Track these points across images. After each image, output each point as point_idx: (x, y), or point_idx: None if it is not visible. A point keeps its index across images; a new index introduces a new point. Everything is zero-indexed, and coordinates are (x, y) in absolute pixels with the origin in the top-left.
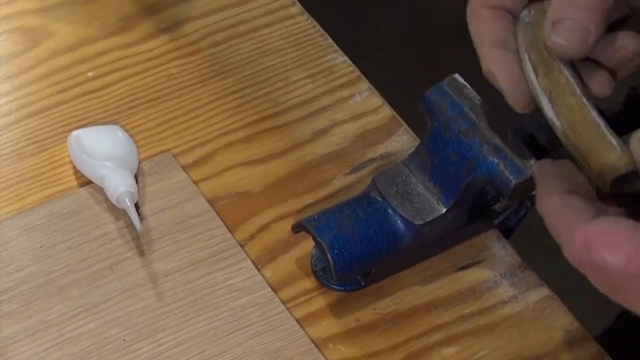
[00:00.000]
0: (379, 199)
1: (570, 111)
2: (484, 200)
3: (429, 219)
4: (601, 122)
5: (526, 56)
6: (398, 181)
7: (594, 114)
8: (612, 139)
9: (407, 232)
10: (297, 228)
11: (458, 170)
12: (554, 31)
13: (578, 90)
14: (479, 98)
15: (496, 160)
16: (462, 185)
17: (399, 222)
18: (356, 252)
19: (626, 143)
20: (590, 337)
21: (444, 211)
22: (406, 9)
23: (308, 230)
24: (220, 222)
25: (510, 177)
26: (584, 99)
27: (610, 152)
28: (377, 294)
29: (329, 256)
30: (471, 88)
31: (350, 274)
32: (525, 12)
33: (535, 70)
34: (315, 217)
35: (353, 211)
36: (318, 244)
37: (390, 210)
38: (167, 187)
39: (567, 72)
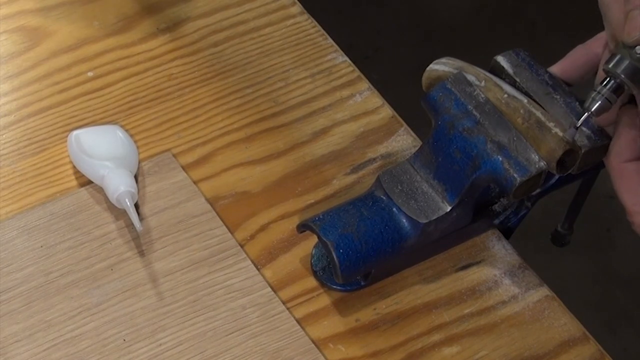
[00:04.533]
0: (384, 197)
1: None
2: (487, 198)
3: (434, 218)
4: (544, 119)
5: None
6: (403, 180)
7: (539, 114)
8: (553, 131)
9: (412, 230)
10: (302, 228)
11: (462, 169)
12: None
13: (525, 101)
14: (483, 96)
15: (500, 158)
16: (466, 184)
17: (404, 220)
18: (361, 252)
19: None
20: (590, 337)
21: (448, 209)
22: (406, 9)
23: (313, 229)
24: (220, 222)
25: (515, 175)
26: (528, 106)
27: (550, 141)
28: (377, 294)
29: (335, 256)
30: (475, 85)
31: (356, 273)
32: None
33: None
34: (321, 216)
35: (358, 210)
36: (323, 244)
37: (395, 209)
38: (167, 187)
39: (508, 88)
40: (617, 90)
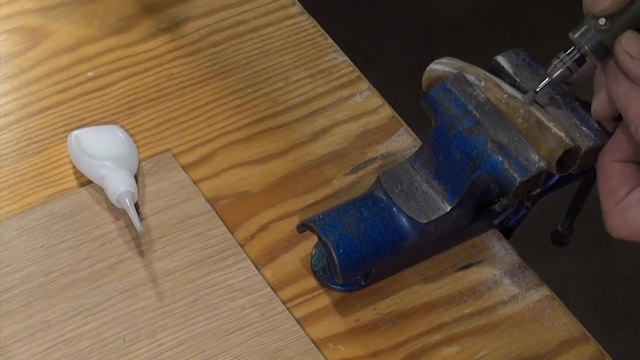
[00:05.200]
0: (384, 197)
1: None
2: (487, 198)
3: (434, 218)
4: (544, 119)
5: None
6: (403, 180)
7: (539, 114)
8: (553, 131)
9: (412, 230)
10: (302, 228)
11: (462, 169)
12: None
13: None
14: (483, 96)
15: (500, 158)
16: (466, 184)
17: (404, 220)
18: (361, 252)
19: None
20: (590, 337)
21: (448, 209)
22: (406, 9)
23: (313, 229)
24: (220, 222)
25: (515, 175)
26: (528, 106)
27: (550, 141)
28: (377, 294)
29: (335, 256)
30: (475, 85)
31: (356, 273)
32: None
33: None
34: (320, 216)
35: (358, 210)
36: (323, 244)
37: (395, 209)
38: (167, 187)
39: (508, 88)
40: (580, 60)
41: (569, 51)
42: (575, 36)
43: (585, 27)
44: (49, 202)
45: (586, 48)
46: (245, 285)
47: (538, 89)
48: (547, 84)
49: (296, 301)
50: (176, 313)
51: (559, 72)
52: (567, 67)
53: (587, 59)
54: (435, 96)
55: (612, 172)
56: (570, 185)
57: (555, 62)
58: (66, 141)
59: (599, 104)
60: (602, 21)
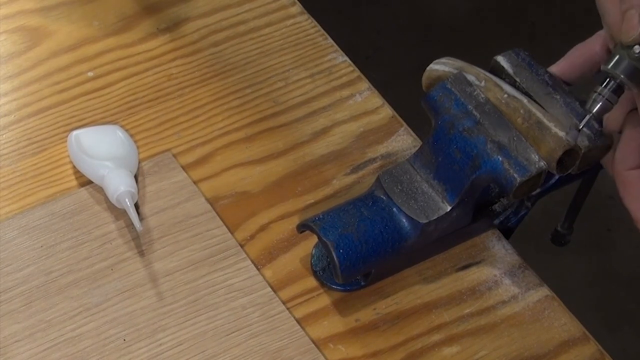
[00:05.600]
0: (384, 197)
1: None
2: (487, 198)
3: (434, 218)
4: (544, 119)
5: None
6: (403, 180)
7: (539, 114)
8: (553, 131)
9: (412, 230)
10: (302, 228)
11: (462, 169)
12: None
13: (525, 101)
14: (483, 96)
15: (500, 158)
16: (466, 183)
17: (404, 220)
18: (361, 252)
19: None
20: (590, 337)
21: (448, 209)
22: (406, 9)
23: (313, 229)
24: (220, 222)
25: (515, 175)
26: (528, 106)
27: (550, 141)
28: (377, 294)
29: (335, 256)
30: (475, 85)
31: (356, 273)
32: None
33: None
34: (320, 216)
35: (358, 210)
36: (323, 244)
37: (395, 209)
38: (167, 187)
39: (508, 88)
40: (618, 90)
41: (604, 83)
42: (609, 67)
43: (618, 56)
44: (49, 202)
45: (622, 77)
46: (245, 285)
47: (581, 127)
48: (589, 120)
49: (296, 301)
50: (176, 313)
51: (598, 105)
52: (607, 99)
53: (624, 88)
54: (435, 96)
55: (630, 180)
56: (570, 185)
57: (593, 97)
58: (66, 141)
59: (612, 117)
60: (636, 49)
